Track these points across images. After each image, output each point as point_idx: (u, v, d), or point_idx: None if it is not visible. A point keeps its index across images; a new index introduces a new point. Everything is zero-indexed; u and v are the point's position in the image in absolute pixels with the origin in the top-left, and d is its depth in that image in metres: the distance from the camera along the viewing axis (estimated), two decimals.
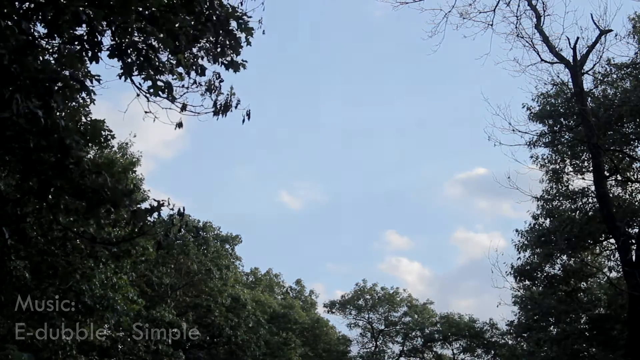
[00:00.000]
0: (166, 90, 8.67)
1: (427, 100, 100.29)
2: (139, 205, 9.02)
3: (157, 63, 8.52)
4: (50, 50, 8.62)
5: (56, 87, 7.19)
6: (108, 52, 8.32)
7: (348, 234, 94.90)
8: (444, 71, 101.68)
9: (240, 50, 9.30)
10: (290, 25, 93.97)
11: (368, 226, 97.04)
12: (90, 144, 16.39)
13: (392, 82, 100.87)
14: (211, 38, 8.94)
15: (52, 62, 8.03)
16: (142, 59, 8.38)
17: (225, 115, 9.33)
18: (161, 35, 8.25)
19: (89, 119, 14.25)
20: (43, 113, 6.94)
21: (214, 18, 8.69)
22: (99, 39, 8.07)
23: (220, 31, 8.85)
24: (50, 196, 8.68)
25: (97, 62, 8.22)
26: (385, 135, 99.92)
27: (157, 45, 8.54)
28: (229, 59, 9.24)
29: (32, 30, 7.84)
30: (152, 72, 8.51)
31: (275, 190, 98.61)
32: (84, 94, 9.78)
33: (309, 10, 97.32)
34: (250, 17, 9.21)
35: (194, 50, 9.13)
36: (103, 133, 16.82)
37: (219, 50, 9.14)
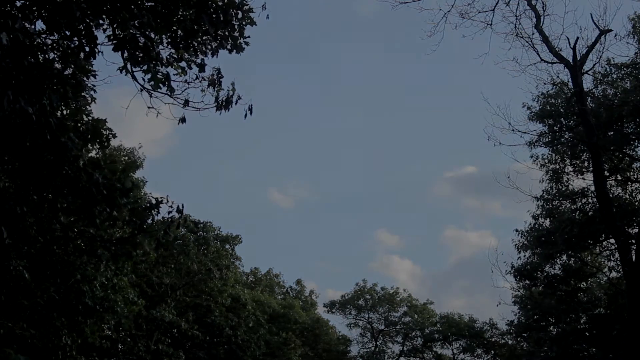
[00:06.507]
0: (166, 82, 8.65)
1: (419, 99, 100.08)
2: (138, 205, 9.01)
3: (155, 54, 8.48)
4: (51, 46, 8.60)
5: (52, 85, 7.15)
6: (112, 46, 8.31)
7: (338, 233, 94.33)
8: (437, 70, 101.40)
9: (244, 32, 9.27)
10: (285, 22, 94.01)
11: (358, 224, 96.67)
12: (90, 144, 16.38)
13: (385, 81, 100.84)
14: (211, 31, 8.91)
15: (55, 57, 8.02)
16: (141, 52, 8.35)
17: (228, 110, 9.35)
18: (157, 25, 8.20)
19: (90, 118, 14.20)
20: (36, 111, 6.90)
21: (213, 12, 8.65)
22: (95, 34, 8.05)
23: (221, 24, 8.82)
24: (49, 195, 8.66)
25: (95, 58, 8.21)
26: (376, 134, 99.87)
27: (156, 38, 8.51)
28: (230, 39, 9.20)
29: (31, 26, 7.82)
30: (152, 64, 8.48)
31: (265, 188, 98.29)
32: (84, 93, 9.75)
33: (305, 9, 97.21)
34: (252, 8, 9.20)
35: (195, 43, 9.11)
36: (104, 132, 16.78)
37: (219, 41, 9.12)
